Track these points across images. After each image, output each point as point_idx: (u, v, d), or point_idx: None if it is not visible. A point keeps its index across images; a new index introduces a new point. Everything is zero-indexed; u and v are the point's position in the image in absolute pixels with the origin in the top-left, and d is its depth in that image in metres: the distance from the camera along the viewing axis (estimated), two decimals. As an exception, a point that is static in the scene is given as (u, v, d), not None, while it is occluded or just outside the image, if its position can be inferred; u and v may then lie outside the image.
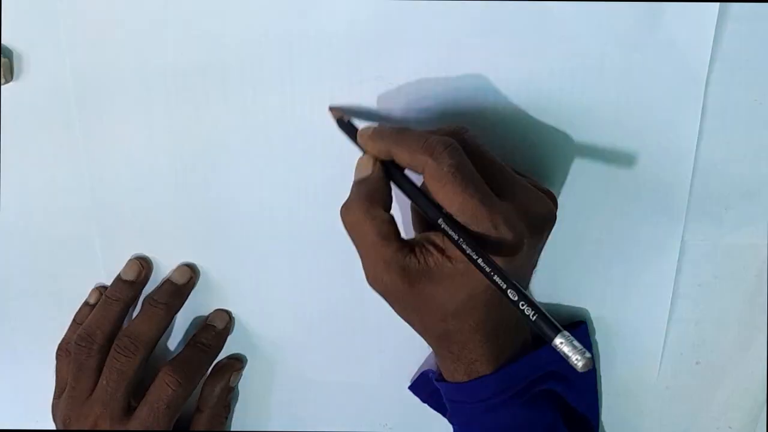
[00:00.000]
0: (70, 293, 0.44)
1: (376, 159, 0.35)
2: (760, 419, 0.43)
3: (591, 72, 0.36)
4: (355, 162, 0.36)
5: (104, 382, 0.41)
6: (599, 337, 0.42)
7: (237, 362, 0.45)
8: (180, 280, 0.42)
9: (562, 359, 0.28)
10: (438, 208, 0.33)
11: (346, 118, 0.38)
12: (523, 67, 0.37)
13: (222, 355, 0.45)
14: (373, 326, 0.43)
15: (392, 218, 0.34)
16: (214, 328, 0.43)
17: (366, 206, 0.33)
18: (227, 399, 0.45)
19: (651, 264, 0.40)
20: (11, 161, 0.41)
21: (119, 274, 0.43)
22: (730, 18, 0.35)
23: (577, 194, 0.39)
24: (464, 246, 0.31)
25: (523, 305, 0.30)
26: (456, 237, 0.31)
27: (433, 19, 0.36)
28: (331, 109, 0.38)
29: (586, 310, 0.42)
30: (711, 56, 0.36)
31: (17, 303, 0.45)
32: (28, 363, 0.46)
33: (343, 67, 0.37)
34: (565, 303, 0.42)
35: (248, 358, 0.45)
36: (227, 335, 0.44)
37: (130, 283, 0.42)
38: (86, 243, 0.43)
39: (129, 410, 0.41)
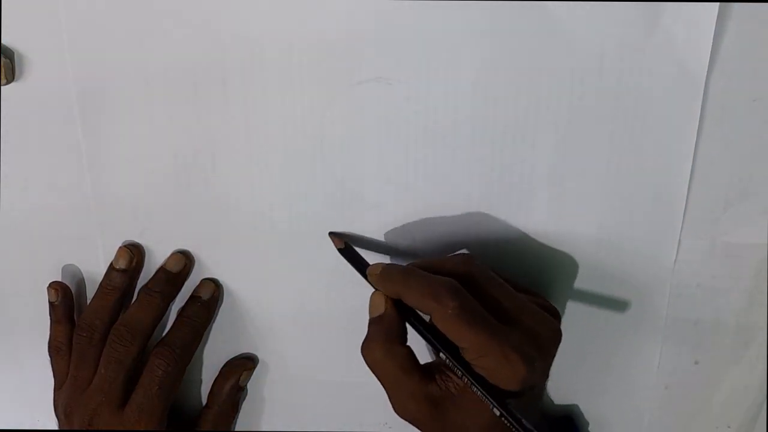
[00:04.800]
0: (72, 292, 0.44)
1: (387, 298, 0.36)
2: (759, 418, 0.43)
3: (591, 72, 0.37)
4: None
5: (103, 371, 0.41)
6: (598, 336, 0.42)
7: (248, 362, 0.45)
8: (174, 268, 0.42)
9: None
10: (444, 346, 0.34)
11: (347, 247, 0.39)
12: (523, 67, 0.37)
13: (230, 356, 0.45)
14: (373, 326, 0.43)
15: (410, 351, 0.36)
16: (200, 299, 0.43)
17: (384, 346, 0.36)
18: (236, 398, 0.45)
19: (649, 263, 0.40)
20: (12, 161, 0.42)
21: (111, 263, 0.43)
22: (729, 18, 0.35)
23: (576, 194, 0.39)
24: (470, 382, 0.34)
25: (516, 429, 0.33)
26: (460, 374, 0.34)
27: (433, 19, 0.36)
28: (332, 236, 0.40)
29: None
30: (710, 56, 0.36)
31: (18, 302, 0.45)
32: (29, 361, 0.46)
33: (343, 67, 0.38)
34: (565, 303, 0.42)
35: (248, 357, 0.45)
36: (215, 305, 0.44)
37: (123, 271, 0.42)
38: (87, 242, 0.43)
39: (128, 398, 0.42)
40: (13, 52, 0.39)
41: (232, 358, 0.45)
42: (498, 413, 0.33)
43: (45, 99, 0.40)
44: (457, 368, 0.34)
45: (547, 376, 0.37)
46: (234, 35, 0.38)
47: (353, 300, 0.42)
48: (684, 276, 0.40)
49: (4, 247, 0.44)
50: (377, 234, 0.41)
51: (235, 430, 0.47)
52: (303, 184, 0.40)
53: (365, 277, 0.38)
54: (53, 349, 0.44)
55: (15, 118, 0.41)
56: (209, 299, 0.43)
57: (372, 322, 0.37)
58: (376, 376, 0.36)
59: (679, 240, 0.40)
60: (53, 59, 0.39)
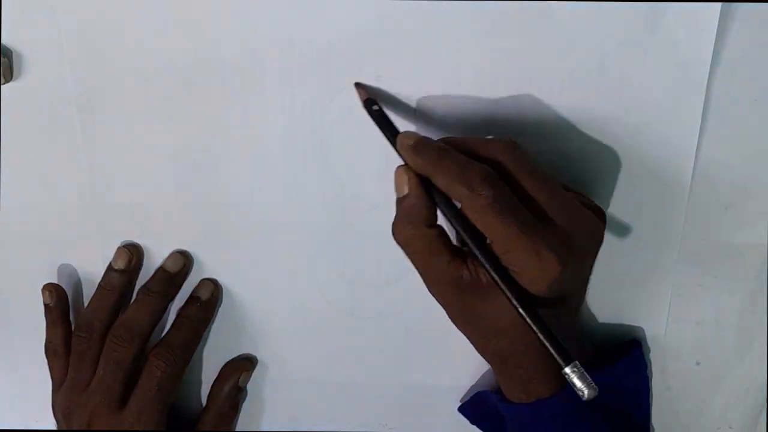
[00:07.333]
0: (69, 292, 0.44)
1: (412, 175, 0.34)
2: (761, 419, 0.43)
3: (591, 72, 0.36)
4: (344, 158, 0.35)
5: (101, 371, 0.41)
6: (598, 336, 0.42)
7: (247, 362, 0.45)
8: (173, 267, 0.42)
9: (626, 377, 0.30)
10: (472, 236, 0.32)
11: (373, 104, 0.36)
12: (523, 67, 0.37)
13: (230, 356, 0.45)
14: (373, 326, 0.43)
15: (440, 231, 0.34)
16: (199, 300, 0.43)
17: (411, 227, 0.34)
18: (236, 399, 0.45)
19: (651, 264, 0.40)
20: (11, 161, 0.41)
21: (110, 264, 0.42)
22: (731, 18, 0.35)
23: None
24: (492, 274, 0.32)
25: (538, 334, 0.31)
26: (484, 263, 0.32)
27: (433, 19, 0.36)
28: (358, 86, 0.37)
29: (641, 329, 0.42)
30: (712, 57, 0.36)
31: (17, 302, 0.45)
32: (27, 362, 0.46)
33: (343, 67, 0.37)
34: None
35: (248, 358, 0.45)
36: (214, 306, 0.43)
37: (122, 272, 0.42)
38: (86, 242, 0.43)
39: (127, 398, 0.42)
40: (11, 52, 0.39)
41: (231, 359, 0.45)
42: (521, 315, 0.31)
43: (43, 98, 0.40)
44: (484, 263, 0.32)
45: (587, 283, 0.35)
46: (234, 35, 0.37)
47: (353, 300, 0.42)
48: (685, 276, 0.40)
49: (2, 248, 0.44)
50: (377, 235, 0.40)
51: (235, 431, 0.47)
52: (303, 184, 0.40)
53: (392, 143, 0.34)
54: (49, 351, 0.44)
55: (13, 118, 0.40)
56: (208, 299, 0.43)
57: (398, 202, 0.34)
58: (407, 255, 0.35)
59: (681, 240, 0.40)
60: (51, 58, 0.39)
